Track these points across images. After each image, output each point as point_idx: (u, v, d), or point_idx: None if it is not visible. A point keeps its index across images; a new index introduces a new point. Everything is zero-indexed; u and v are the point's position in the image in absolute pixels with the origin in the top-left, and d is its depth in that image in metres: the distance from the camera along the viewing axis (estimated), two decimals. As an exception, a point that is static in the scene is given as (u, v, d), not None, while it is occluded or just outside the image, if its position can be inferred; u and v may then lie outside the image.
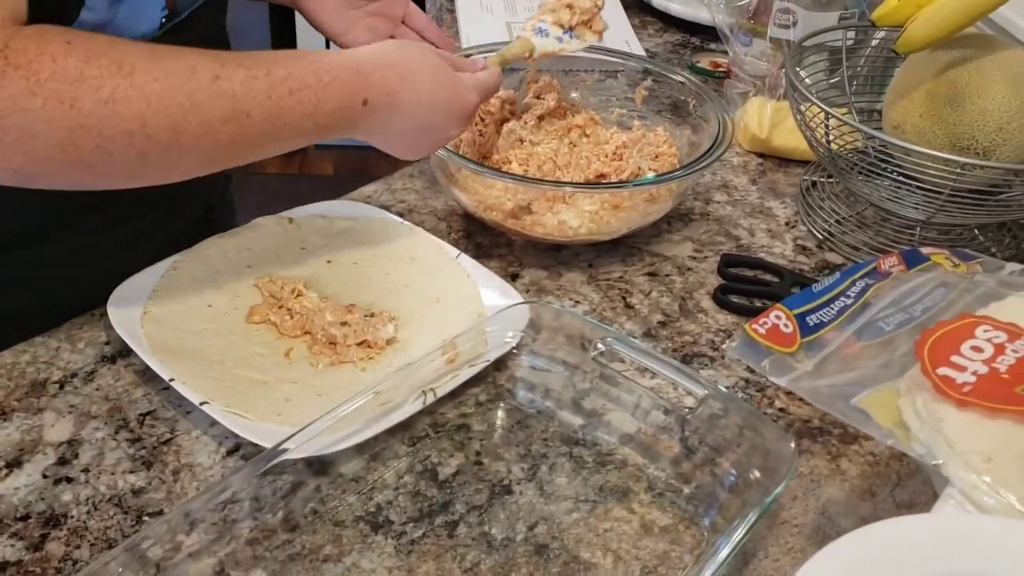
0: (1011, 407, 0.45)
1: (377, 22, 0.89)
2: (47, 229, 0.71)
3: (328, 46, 3.14)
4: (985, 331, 0.49)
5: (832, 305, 0.53)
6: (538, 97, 0.88)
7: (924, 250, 0.59)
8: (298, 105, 0.60)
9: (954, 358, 0.47)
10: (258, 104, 0.58)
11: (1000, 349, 0.47)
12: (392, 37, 0.90)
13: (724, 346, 0.55)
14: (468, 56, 0.83)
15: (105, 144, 0.53)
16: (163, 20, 0.67)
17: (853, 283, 0.54)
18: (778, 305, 0.52)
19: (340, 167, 2.65)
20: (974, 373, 0.46)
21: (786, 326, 0.51)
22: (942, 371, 0.47)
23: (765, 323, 0.51)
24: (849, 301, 0.53)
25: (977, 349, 0.48)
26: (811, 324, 0.51)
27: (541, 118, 0.86)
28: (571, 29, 0.78)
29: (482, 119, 0.86)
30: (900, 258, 0.57)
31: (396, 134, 0.67)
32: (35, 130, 0.51)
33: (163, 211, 0.78)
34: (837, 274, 0.56)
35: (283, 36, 2.60)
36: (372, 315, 0.68)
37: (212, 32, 0.80)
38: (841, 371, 0.51)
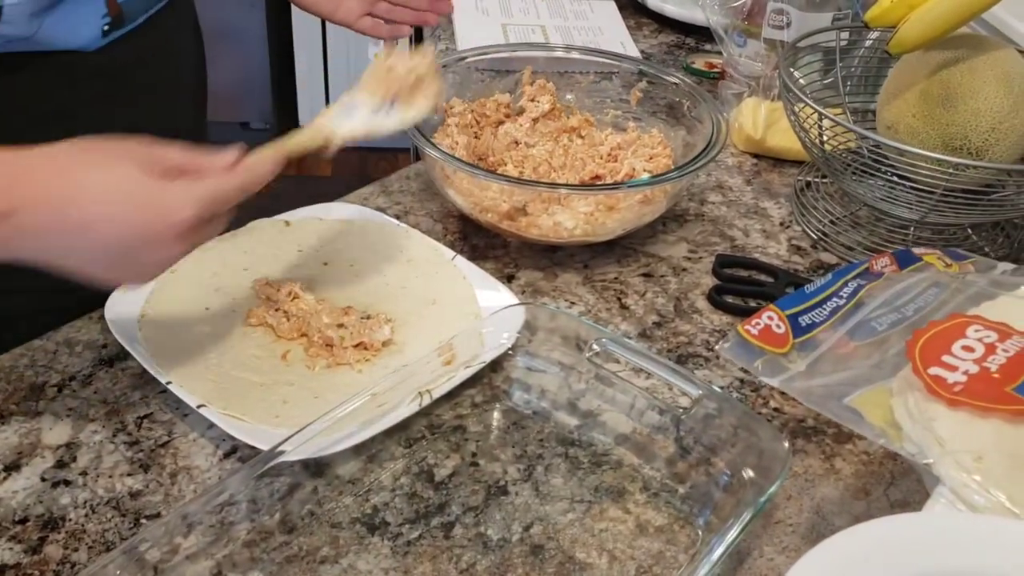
0: (1002, 406, 0.46)
1: None
2: None
3: (324, 28, 3.07)
4: (976, 331, 0.49)
5: (824, 306, 0.53)
6: (533, 100, 0.88)
7: (916, 250, 0.59)
8: None
9: (945, 358, 0.48)
10: None
11: (991, 349, 0.48)
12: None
13: (717, 347, 0.56)
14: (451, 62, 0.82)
15: None
16: (105, 29, 0.62)
17: (845, 284, 0.54)
18: (770, 306, 0.52)
19: (338, 169, 2.66)
20: (965, 373, 0.47)
21: (778, 327, 0.51)
22: (933, 371, 0.47)
23: (758, 324, 0.51)
24: (841, 302, 0.53)
25: (968, 349, 0.48)
26: (803, 325, 0.52)
27: (536, 120, 0.86)
28: (392, 102, 0.65)
29: (477, 122, 0.86)
30: (892, 258, 0.58)
31: (73, 259, 0.52)
32: None
33: None
34: (829, 275, 0.56)
35: (280, 33, 2.60)
36: (368, 317, 0.69)
37: (174, 39, 0.75)
38: (834, 371, 0.51)
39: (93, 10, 0.62)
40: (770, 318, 0.51)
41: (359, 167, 2.64)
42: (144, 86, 0.60)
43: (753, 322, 0.51)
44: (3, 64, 0.59)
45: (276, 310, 0.69)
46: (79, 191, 0.50)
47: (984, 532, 0.41)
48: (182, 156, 0.54)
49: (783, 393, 0.66)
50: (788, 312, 0.52)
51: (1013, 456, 0.44)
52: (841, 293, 0.54)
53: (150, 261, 0.54)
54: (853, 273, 0.55)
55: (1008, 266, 0.60)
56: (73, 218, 0.50)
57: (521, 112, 0.87)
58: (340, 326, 0.67)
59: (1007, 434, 0.45)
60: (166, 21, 0.69)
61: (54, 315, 0.69)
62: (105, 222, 0.50)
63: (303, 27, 2.57)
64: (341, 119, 0.63)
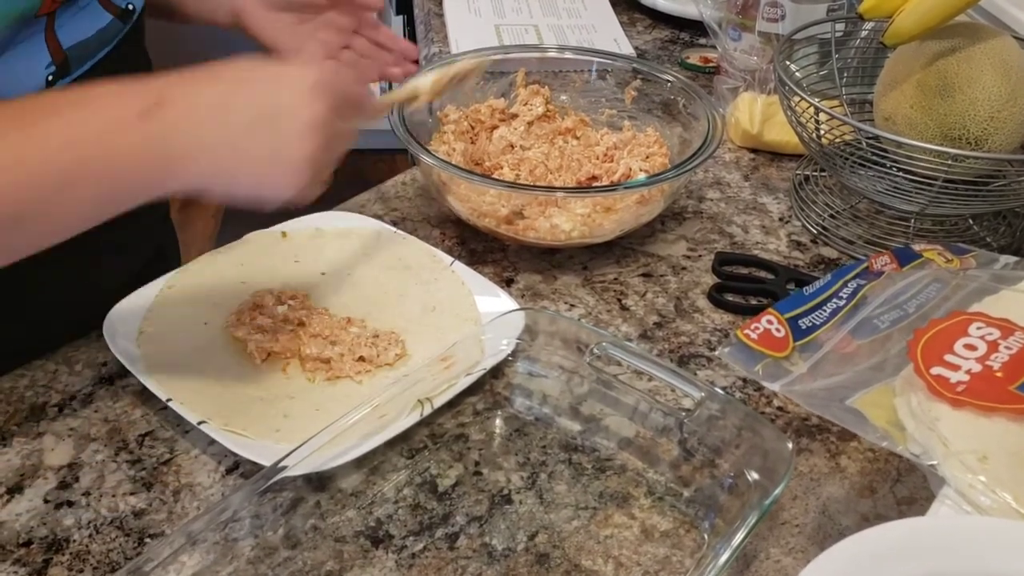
0: (1005, 405, 0.45)
1: (329, 35, 0.81)
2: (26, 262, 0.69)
3: None
4: (978, 328, 0.49)
5: (824, 307, 0.53)
6: (526, 104, 0.87)
7: (916, 247, 0.59)
8: (50, 134, 0.49)
9: (947, 357, 0.47)
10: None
11: (993, 346, 0.47)
12: (347, 48, 0.82)
13: (717, 352, 0.55)
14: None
15: None
16: (49, 78, 0.61)
17: (845, 284, 0.54)
18: (769, 309, 0.52)
19: (337, 172, 2.65)
20: (968, 372, 0.46)
21: (778, 331, 0.50)
22: (936, 370, 0.47)
23: (757, 328, 0.51)
24: (841, 303, 0.53)
25: (970, 347, 0.48)
26: (803, 328, 0.51)
27: (531, 123, 0.86)
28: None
29: (472, 128, 0.86)
30: (892, 256, 0.57)
31: (215, 158, 0.53)
32: None
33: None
34: (828, 276, 0.56)
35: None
36: (377, 336, 0.68)
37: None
38: (836, 372, 0.51)
39: (37, 61, 0.60)
40: (769, 322, 0.51)
41: (356, 169, 2.63)
42: None
43: (752, 326, 0.51)
44: None
45: (265, 332, 0.67)
46: (220, 70, 0.53)
47: (991, 534, 0.40)
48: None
49: (786, 392, 0.66)
50: (787, 315, 0.51)
51: (1018, 455, 0.44)
52: (841, 294, 0.53)
53: (291, 142, 0.53)
54: (852, 273, 0.55)
55: (1010, 259, 0.59)
56: (216, 92, 0.52)
57: (514, 116, 0.87)
58: (333, 344, 0.66)
59: (1012, 433, 0.45)
60: (114, 66, 0.66)
61: (54, 335, 0.68)
62: (245, 89, 0.53)
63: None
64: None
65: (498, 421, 0.65)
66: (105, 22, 0.63)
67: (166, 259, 0.85)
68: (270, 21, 0.79)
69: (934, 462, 0.44)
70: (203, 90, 0.52)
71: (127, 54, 0.68)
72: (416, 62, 0.86)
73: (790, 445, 0.56)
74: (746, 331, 0.51)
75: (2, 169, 0.48)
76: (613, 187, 0.78)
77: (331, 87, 0.54)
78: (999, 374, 0.46)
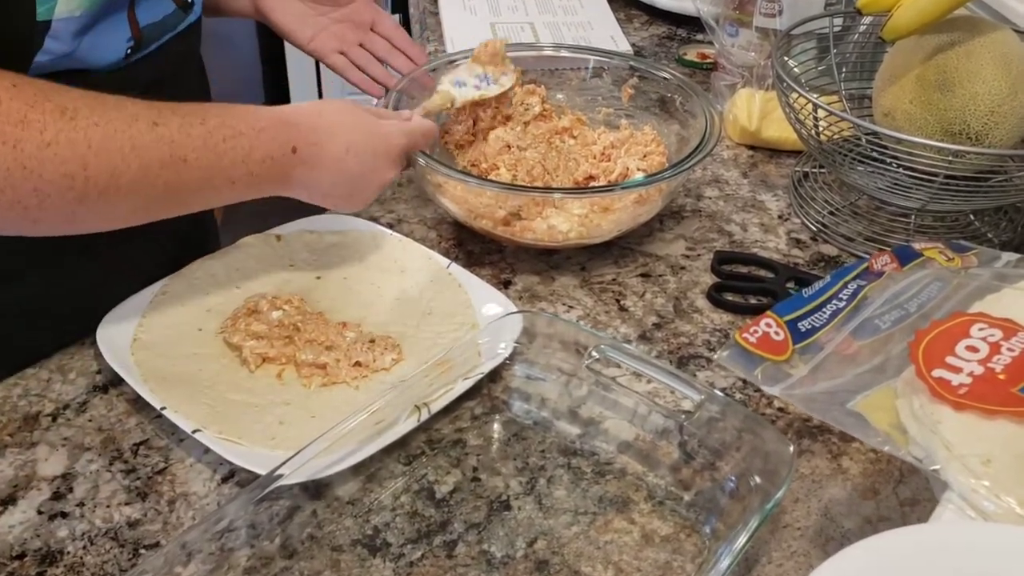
0: (1009, 408, 0.44)
1: (344, 29, 0.89)
2: (20, 269, 0.70)
3: (319, 67, 3.05)
4: (980, 329, 0.48)
5: (824, 309, 0.52)
6: (523, 103, 0.87)
7: (917, 245, 0.58)
8: (231, 151, 0.61)
9: (949, 359, 0.47)
10: (194, 149, 0.59)
11: (995, 348, 0.47)
12: (360, 45, 0.90)
13: (715, 357, 0.55)
14: (441, 66, 0.86)
15: (44, 186, 0.54)
16: (128, 51, 0.68)
17: (845, 285, 0.53)
18: (768, 313, 0.51)
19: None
20: (970, 374, 0.46)
21: (777, 334, 0.50)
22: (937, 373, 0.46)
23: (755, 331, 0.50)
24: (842, 304, 0.52)
25: (972, 349, 0.47)
26: (803, 330, 0.51)
27: (527, 123, 0.85)
28: (486, 75, 0.85)
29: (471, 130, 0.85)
30: (893, 256, 0.56)
31: (328, 184, 0.68)
32: None
33: (138, 243, 0.76)
34: (828, 277, 0.55)
35: (272, 38, 2.58)
36: (373, 341, 0.67)
37: (185, 63, 0.80)
38: (837, 374, 0.50)
39: (121, 33, 0.67)
40: (768, 325, 0.50)
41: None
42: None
43: (751, 330, 0.50)
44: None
45: (261, 338, 0.67)
46: (335, 124, 0.67)
47: (995, 541, 0.40)
48: (375, 108, 0.74)
49: (787, 393, 0.65)
50: (786, 318, 0.51)
51: (1022, 459, 0.43)
52: (841, 295, 0.53)
53: (373, 183, 0.70)
54: (852, 274, 0.54)
55: (1011, 256, 0.59)
56: (334, 147, 0.67)
57: (510, 117, 0.86)
58: (329, 349, 0.66)
59: (1016, 436, 0.44)
60: (174, 48, 0.74)
61: (46, 342, 0.68)
62: (353, 151, 0.67)
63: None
64: (457, 88, 0.83)
65: (496, 426, 0.64)
66: (170, 10, 0.72)
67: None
68: (289, 11, 0.87)
69: (937, 466, 0.44)
70: (325, 146, 0.66)
71: (185, 41, 0.76)
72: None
73: (791, 447, 0.55)
74: (744, 335, 0.50)
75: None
76: (610, 187, 0.78)
77: (408, 151, 0.73)
78: (1001, 376, 0.46)
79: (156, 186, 0.58)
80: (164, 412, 0.60)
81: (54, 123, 0.53)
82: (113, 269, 0.75)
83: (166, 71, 0.73)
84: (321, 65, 2.61)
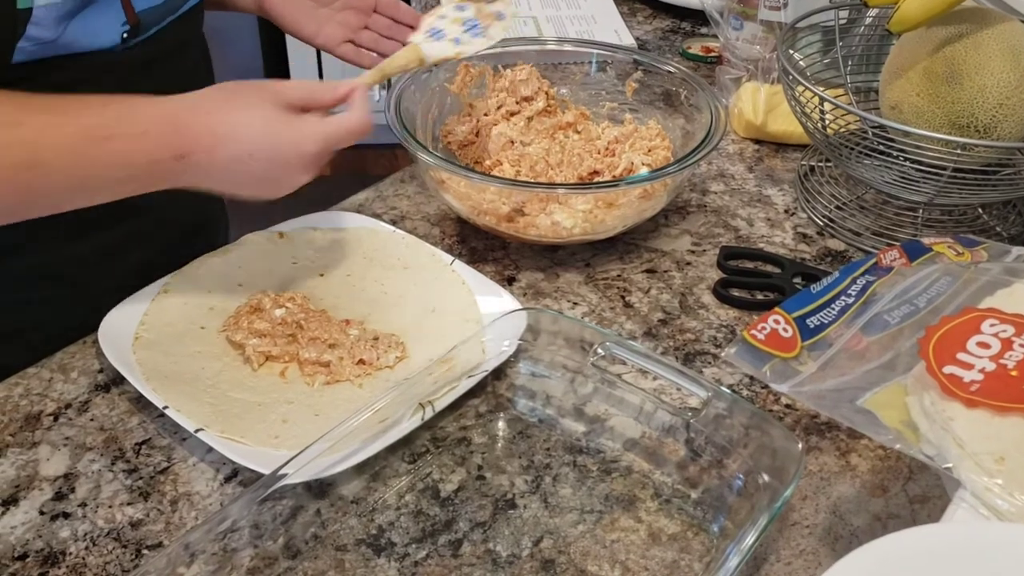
0: (1021, 404, 0.44)
1: (348, 16, 0.88)
2: (15, 244, 0.70)
3: (320, 59, 3.01)
4: (992, 325, 0.47)
5: (832, 305, 0.51)
6: (526, 99, 0.86)
7: (926, 240, 0.57)
8: (105, 155, 0.58)
9: (960, 355, 0.46)
10: (56, 153, 0.56)
11: (1007, 344, 0.46)
12: (366, 28, 0.88)
13: (723, 354, 0.54)
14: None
15: None
16: (124, 35, 0.67)
17: (854, 281, 0.53)
18: (776, 309, 0.51)
19: (338, 168, 2.64)
20: (981, 371, 0.45)
21: (785, 330, 0.49)
22: (948, 369, 0.46)
23: (763, 328, 0.49)
24: (850, 300, 0.52)
25: (984, 345, 0.46)
26: (812, 327, 0.50)
27: (531, 119, 0.85)
28: (475, 24, 0.70)
29: (476, 124, 0.85)
30: (901, 251, 0.56)
31: (230, 184, 0.63)
32: None
33: (134, 223, 0.76)
34: (836, 273, 0.54)
35: (273, 32, 2.57)
36: (377, 338, 0.67)
37: (187, 46, 0.79)
38: (846, 371, 0.50)
39: (113, 17, 0.66)
40: (776, 322, 0.49)
41: (358, 165, 2.62)
42: (159, 88, 0.63)
43: (759, 326, 0.50)
44: (29, 69, 0.63)
45: (263, 336, 0.66)
46: (234, 129, 0.60)
47: (1010, 541, 0.39)
48: (303, 92, 0.64)
49: (794, 389, 0.65)
50: (795, 315, 0.50)
51: (1036, 456, 0.43)
52: (850, 291, 0.52)
53: (285, 184, 0.64)
54: (861, 269, 0.53)
55: (1022, 251, 0.58)
56: (231, 152, 0.60)
57: (514, 113, 0.85)
58: (332, 346, 0.65)
59: (1028, 433, 0.43)
60: (176, 32, 0.73)
61: (49, 336, 0.67)
62: (255, 158, 0.61)
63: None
64: (431, 43, 0.70)
65: (501, 423, 0.64)
66: None
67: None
68: (291, 5, 0.86)
69: (949, 464, 0.43)
70: (220, 151, 0.60)
71: (187, 24, 0.75)
72: None
73: (800, 444, 0.55)
74: (752, 332, 0.49)
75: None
76: (615, 183, 0.77)
77: (328, 153, 0.64)
78: (1014, 373, 0.45)
79: (16, 188, 0.56)
80: (166, 411, 0.60)
81: None
82: (103, 255, 0.75)
83: (164, 55, 0.72)
84: (322, 56, 2.61)
